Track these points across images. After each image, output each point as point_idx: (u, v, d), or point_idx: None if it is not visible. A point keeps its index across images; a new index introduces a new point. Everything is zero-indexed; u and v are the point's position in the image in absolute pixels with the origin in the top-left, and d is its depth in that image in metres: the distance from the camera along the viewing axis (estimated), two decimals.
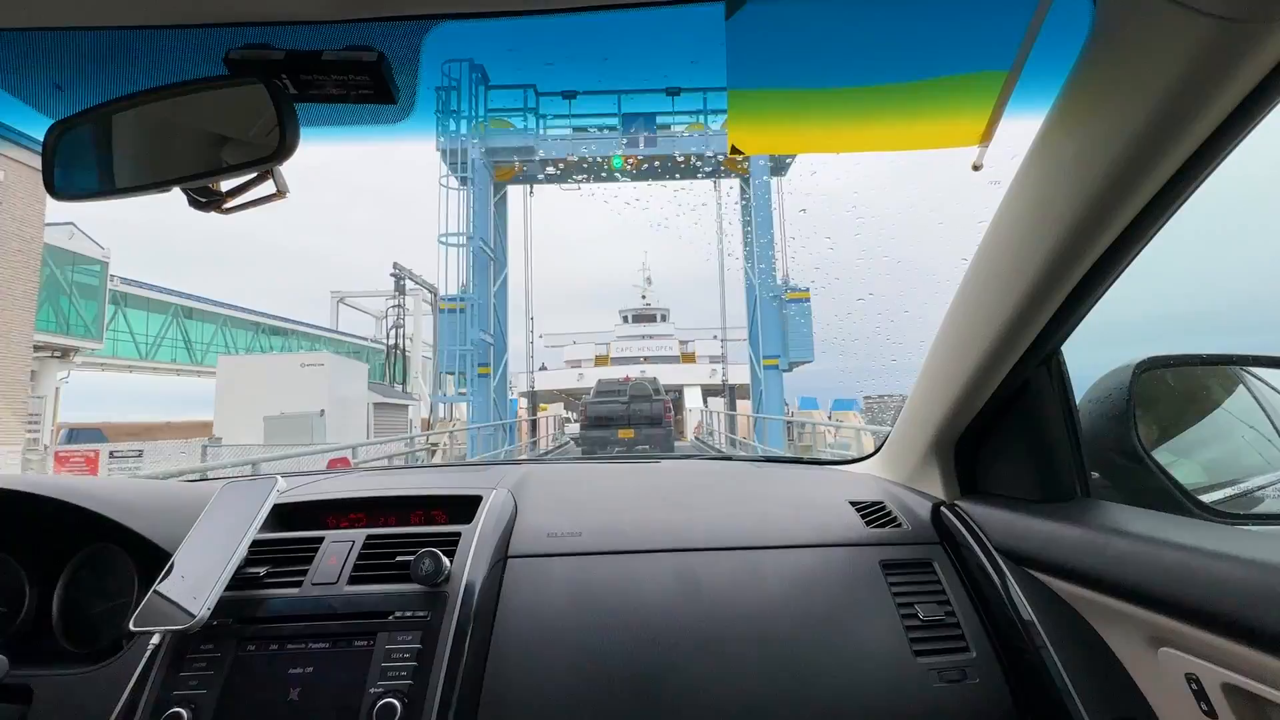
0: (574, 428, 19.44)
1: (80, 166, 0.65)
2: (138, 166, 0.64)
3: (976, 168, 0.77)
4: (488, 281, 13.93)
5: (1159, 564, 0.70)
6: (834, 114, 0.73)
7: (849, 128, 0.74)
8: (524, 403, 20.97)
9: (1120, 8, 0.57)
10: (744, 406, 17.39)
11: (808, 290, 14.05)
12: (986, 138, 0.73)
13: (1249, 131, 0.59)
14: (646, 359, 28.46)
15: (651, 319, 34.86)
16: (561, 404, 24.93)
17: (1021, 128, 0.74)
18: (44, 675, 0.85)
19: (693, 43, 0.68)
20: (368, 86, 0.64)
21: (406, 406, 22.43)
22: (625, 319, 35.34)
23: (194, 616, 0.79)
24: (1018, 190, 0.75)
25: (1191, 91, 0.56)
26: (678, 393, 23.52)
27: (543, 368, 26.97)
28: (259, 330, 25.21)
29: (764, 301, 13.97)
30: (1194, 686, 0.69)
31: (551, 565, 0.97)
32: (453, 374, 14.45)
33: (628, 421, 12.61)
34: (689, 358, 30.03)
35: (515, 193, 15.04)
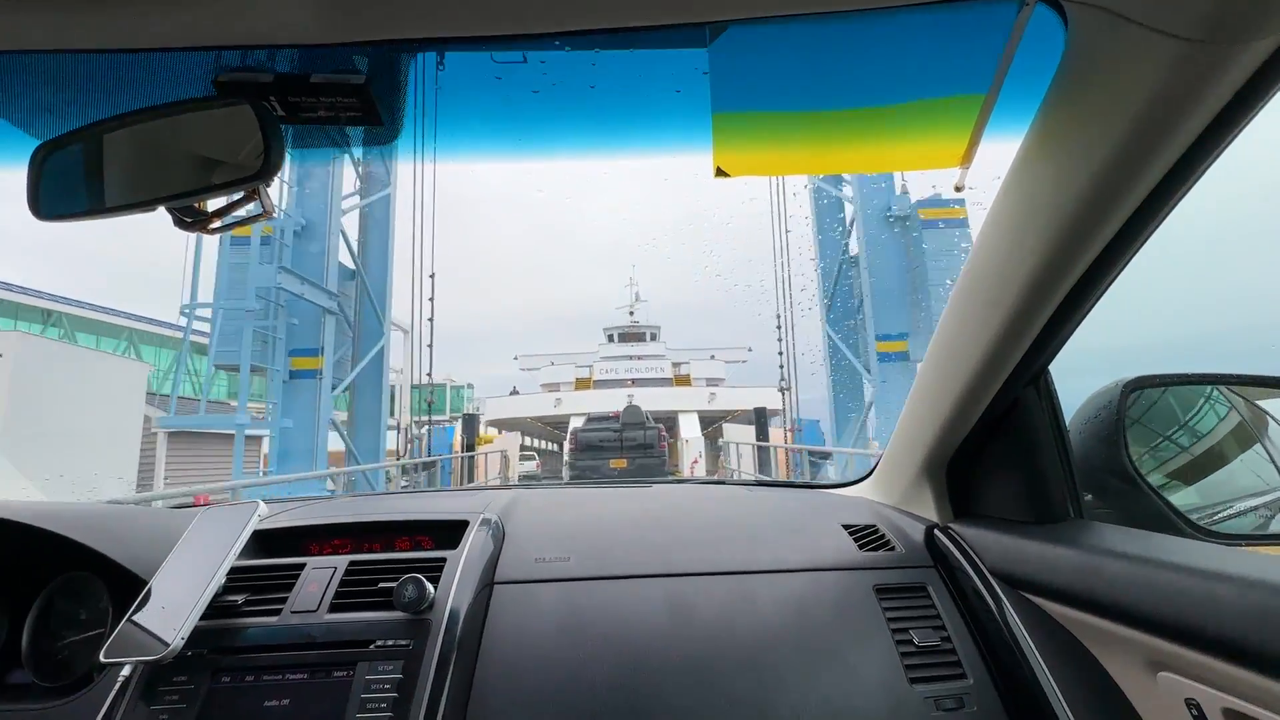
0: (529, 465, 18.90)
1: (66, 187, 0.65)
2: (123, 186, 0.64)
3: (959, 189, 0.78)
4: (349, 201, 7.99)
5: (1156, 586, 0.69)
6: (818, 136, 0.74)
7: (833, 149, 0.75)
8: (488, 432, 20.16)
9: (1091, 31, 0.58)
10: (775, 437, 13.37)
11: (963, 206, 7.00)
12: (967, 159, 0.74)
13: (1221, 150, 0.60)
14: (635, 381, 25.73)
15: (640, 338, 31.38)
16: (519, 434, 22.53)
17: (1001, 149, 0.75)
18: (10, 710, 0.82)
19: (677, 70, 0.70)
20: (356, 108, 0.65)
21: (258, 436, 12.38)
22: (610, 338, 31.76)
23: (167, 646, 0.76)
24: (999, 210, 0.76)
25: (1162, 111, 0.57)
26: (670, 420, 21.02)
27: (514, 392, 25.33)
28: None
29: (872, 229, 7.95)
30: (1194, 712, 0.67)
31: (539, 591, 0.95)
32: (235, 369, 8.01)
33: (620, 449, 12.00)
34: (683, 380, 27.52)
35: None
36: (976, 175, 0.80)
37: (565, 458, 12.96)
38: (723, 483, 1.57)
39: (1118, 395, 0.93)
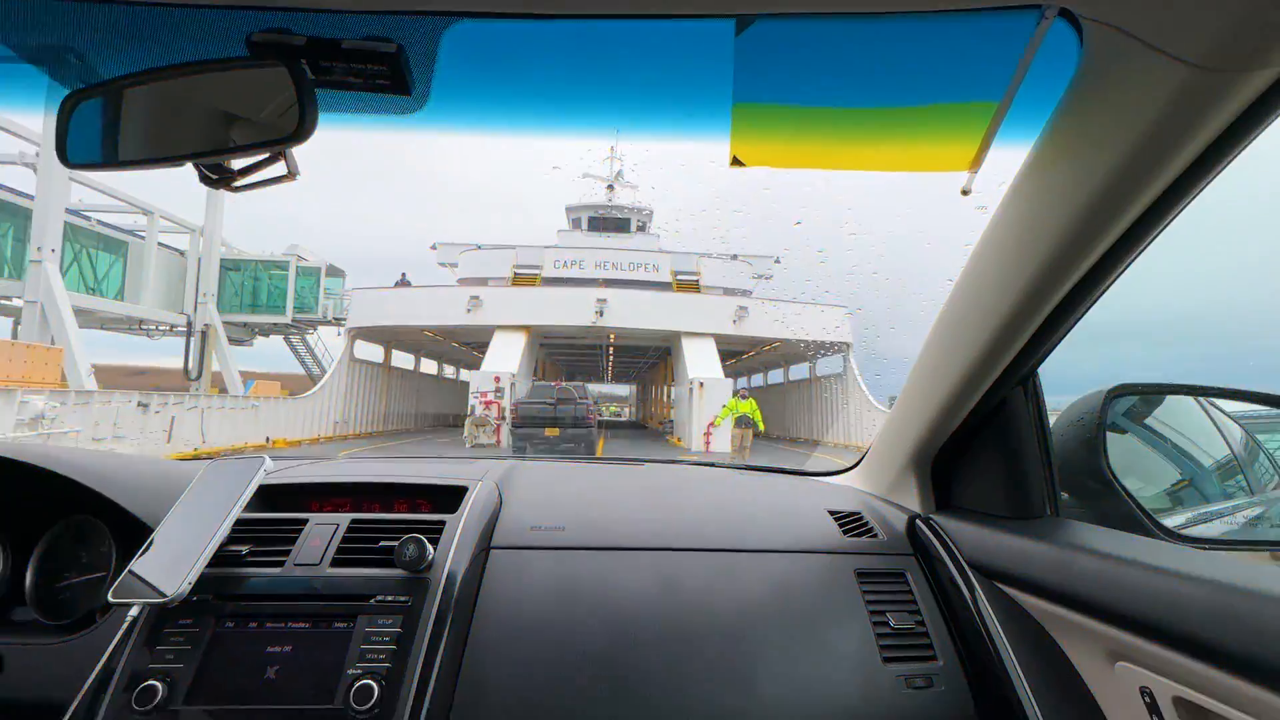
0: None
1: (94, 136, 0.65)
2: (153, 139, 0.65)
3: (965, 192, 0.80)
4: None
5: (1121, 582, 0.73)
6: (833, 132, 0.76)
7: (846, 146, 0.77)
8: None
9: (1105, 51, 0.60)
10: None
11: None
12: (976, 164, 0.76)
13: (1220, 170, 0.63)
14: (609, 282, 17.08)
15: (621, 226, 20.90)
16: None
17: (1009, 157, 0.77)
18: (16, 644, 0.84)
19: (701, 57, 0.71)
20: (384, 76, 0.65)
21: None
22: (576, 223, 20.93)
23: (174, 591, 0.79)
24: (1003, 216, 0.78)
25: (1166, 131, 0.60)
26: (663, 349, 16.32)
27: (402, 282, 17.41)
28: None
29: None
30: (1147, 699, 0.71)
31: (533, 558, 0.98)
32: None
33: (554, 422, 12.67)
34: (688, 287, 18.55)
35: None
36: (982, 180, 0.82)
37: (510, 426, 13.15)
38: (714, 465, 1.61)
39: (1100, 401, 0.97)
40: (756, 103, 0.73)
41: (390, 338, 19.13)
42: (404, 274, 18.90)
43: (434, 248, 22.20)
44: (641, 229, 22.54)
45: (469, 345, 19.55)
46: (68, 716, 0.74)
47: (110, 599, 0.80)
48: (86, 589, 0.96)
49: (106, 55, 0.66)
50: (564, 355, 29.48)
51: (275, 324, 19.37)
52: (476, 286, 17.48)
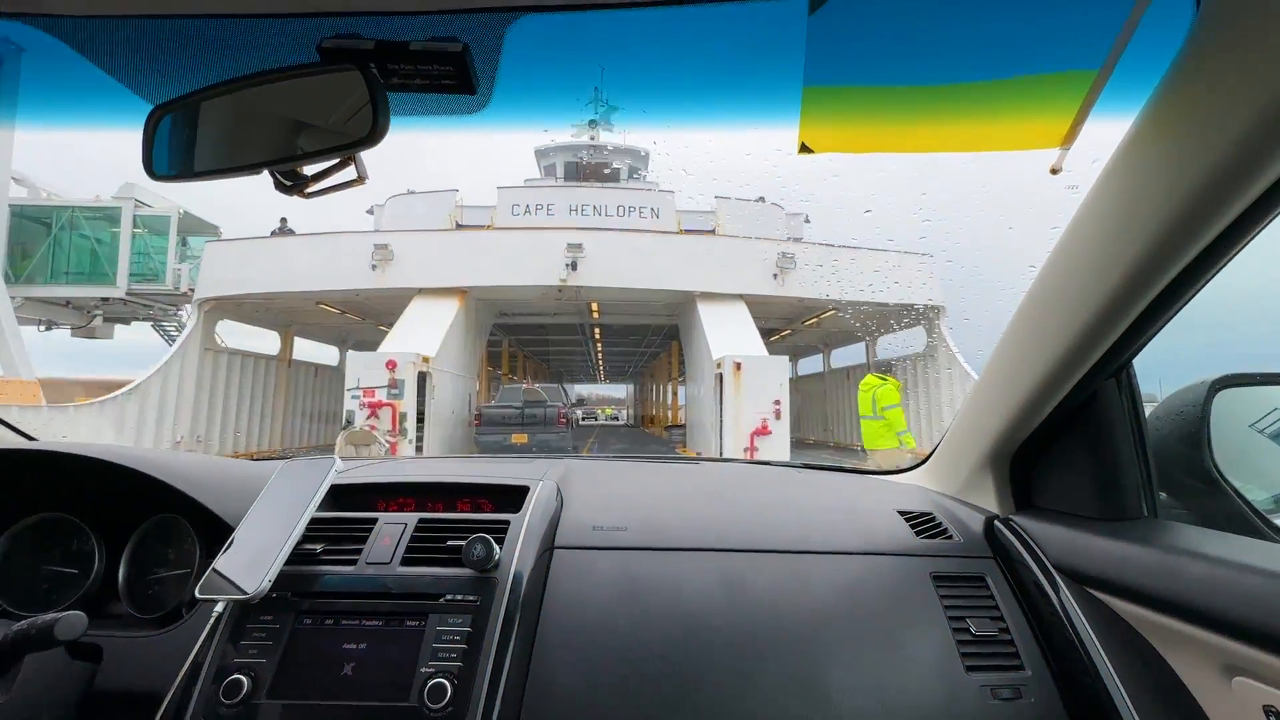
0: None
1: (178, 149, 0.68)
2: (231, 149, 0.67)
3: (1055, 171, 0.75)
4: None
5: (1237, 589, 0.67)
6: (909, 112, 0.72)
7: (924, 127, 0.73)
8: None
9: (1225, 10, 0.55)
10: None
11: None
12: (1069, 140, 0.71)
13: None
14: (585, 229, 12.35)
15: (610, 176, 16.27)
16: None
17: (1107, 131, 0.72)
18: (113, 636, 0.89)
19: (770, 40, 0.68)
20: (451, 76, 0.65)
21: None
22: (549, 170, 16.31)
23: (256, 588, 0.81)
24: (1100, 196, 0.73)
25: None
26: (673, 328, 12.88)
27: (282, 229, 12.39)
28: None
29: None
30: (1273, 718, 0.66)
31: (597, 558, 0.98)
32: None
33: (520, 426, 11.57)
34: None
35: None
36: (1074, 158, 0.77)
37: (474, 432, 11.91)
38: (769, 464, 1.58)
39: (1204, 393, 0.90)
40: (829, 85, 0.70)
41: (284, 316, 13.55)
42: (284, 219, 12.91)
43: (370, 212, 16.32)
44: (634, 175, 16.55)
45: (353, 311, 13.69)
46: (163, 707, 0.78)
47: (197, 595, 0.84)
48: (174, 585, 1.00)
49: (185, 70, 0.68)
50: (537, 345, 24.36)
51: (105, 299, 13.20)
52: (380, 245, 11.71)
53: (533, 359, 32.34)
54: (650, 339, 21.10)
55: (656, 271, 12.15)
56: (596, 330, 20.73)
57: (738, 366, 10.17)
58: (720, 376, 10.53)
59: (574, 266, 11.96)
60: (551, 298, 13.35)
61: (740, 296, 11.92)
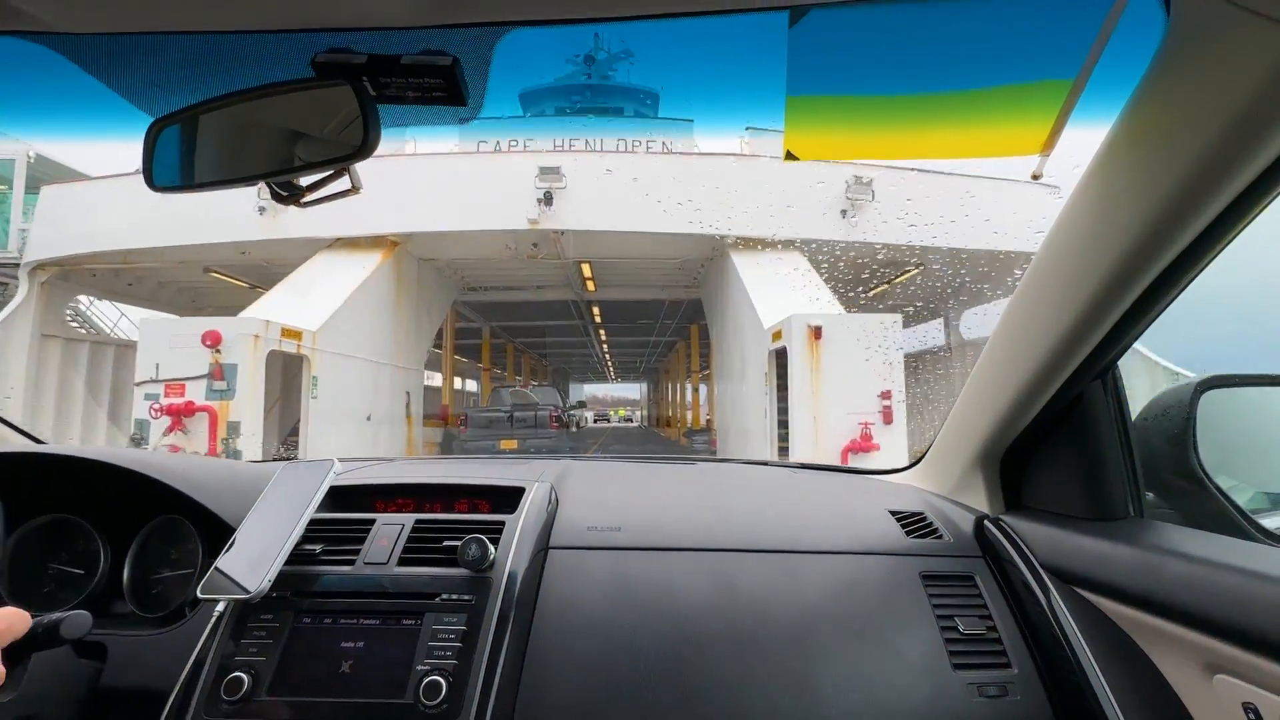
0: None
1: (176, 161, 0.70)
2: (228, 161, 0.69)
3: (1036, 177, 0.77)
4: None
5: (1219, 588, 0.68)
6: (892, 120, 0.73)
7: (907, 134, 0.75)
8: None
9: (1197, 16, 0.56)
10: None
11: None
12: (1048, 147, 0.73)
13: None
14: (565, 151, 9.66)
15: (612, 114, 12.97)
16: None
17: (1085, 137, 0.73)
18: (118, 635, 0.91)
19: (755, 51, 0.70)
20: (441, 89, 0.67)
21: None
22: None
23: (257, 588, 0.83)
24: (1080, 201, 0.74)
25: (1268, 105, 0.55)
26: (693, 306, 10.92)
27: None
28: None
29: None
30: (1251, 716, 0.67)
31: (591, 558, 1.00)
32: None
33: (510, 432, 11.23)
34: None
35: None
36: (1055, 163, 0.78)
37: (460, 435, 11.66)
38: (766, 464, 1.59)
39: (1190, 394, 0.91)
40: (811, 94, 0.71)
41: (188, 294, 10.78)
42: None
43: None
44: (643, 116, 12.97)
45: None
46: (168, 705, 0.80)
47: (199, 594, 0.86)
48: (177, 584, 1.02)
49: (184, 84, 0.70)
50: (532, 335, 21.78)
51: None
52: None
53: (531, 355, 29.68)
54: (664, 323, 18.35)
55: (668, 209, 8.30)
56: (596, 311, 17.60)
57: (815, 333, 6.42)
58: (779, 355, 7.14)
59: (548, 200, 8.20)
60: (526, 255, 10.07)
61: (795, 244, 8.24)
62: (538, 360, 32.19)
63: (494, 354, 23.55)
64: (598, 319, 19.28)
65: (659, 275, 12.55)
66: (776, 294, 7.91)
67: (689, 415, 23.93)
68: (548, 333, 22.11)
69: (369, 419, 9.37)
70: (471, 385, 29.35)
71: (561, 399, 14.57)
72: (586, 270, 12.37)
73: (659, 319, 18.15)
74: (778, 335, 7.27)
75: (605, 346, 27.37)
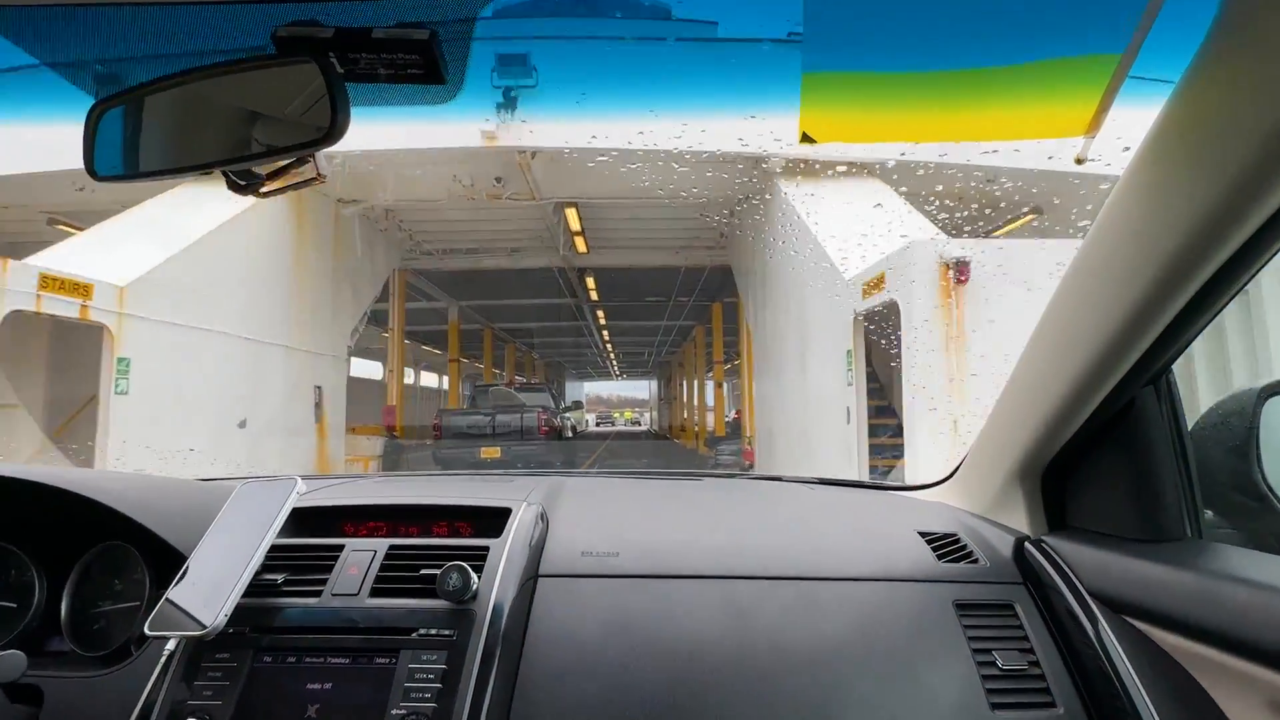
0: None
1: (121, 147, 0.71)
2: (179, 147, 0.70)
3: (1080, 161, 0.78)
4: None
5: None
6: (922, 99, 0.75)
7: (937, 115, 0.76)
8: None
9: None
10: None
11: None
12: (1094, 128, 0.74)
13: None
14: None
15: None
16: None
17: (1135, 116, 0.74)
18: (55, 677, 0.92)
19: (766, 27, 0.71)
20: (418, 66, 0.68)
21: None
22: None
23: (212, 623, 0.84)
24: (1130, 186, 0.75)
25: None
26: (721, 274, 11.01)
27: None
28: None
29: None
30: None
31: (585, 587, 1.01)
32: None
33: (492, 438, 10.91)
34: None
35: None
36: (1101, 146, 0.80)
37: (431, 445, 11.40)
38: (780, 479, 1.60)
39: (1252, 400, 0.92)
40: (829, 71, 0.72)
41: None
42: None
43: None
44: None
45: None
46: None
47: (147, 631, 0.86)
48: (121, 619, 1.03)
49: (130, 61, 0.71)
50: (517, 320, 20.92)
51: None
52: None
53: (516, 345, 27.38)
54: (678, 302, 16.70)
55: (681, 113, 5.88)
56: (591, 285, 15.65)
57: (958, 274, 4.77)
58: (876, 320, 5.76)
59: (510, 105, 6.48)
60: (488, 195, 8.82)
61: (868, 168, 6.88)
62: (525, 352, 30.26)
63: (468, 343, 21.69)
64: (593, 293, 17.05)
65: (672, 229, 11.30)
66: (854, 236, 6.20)
67: (710, 418, 22.27)
68: (533, 315, 20.37)
69: (243, 425, 7.31)
70: (436, 381, 27.57)
71: (554, 399, 14.11)
72: (573, 219, 10.71)
73: (672, 295, 16.24)
74: (874, 287, 5.46)
75: (605, 333, 25.74)
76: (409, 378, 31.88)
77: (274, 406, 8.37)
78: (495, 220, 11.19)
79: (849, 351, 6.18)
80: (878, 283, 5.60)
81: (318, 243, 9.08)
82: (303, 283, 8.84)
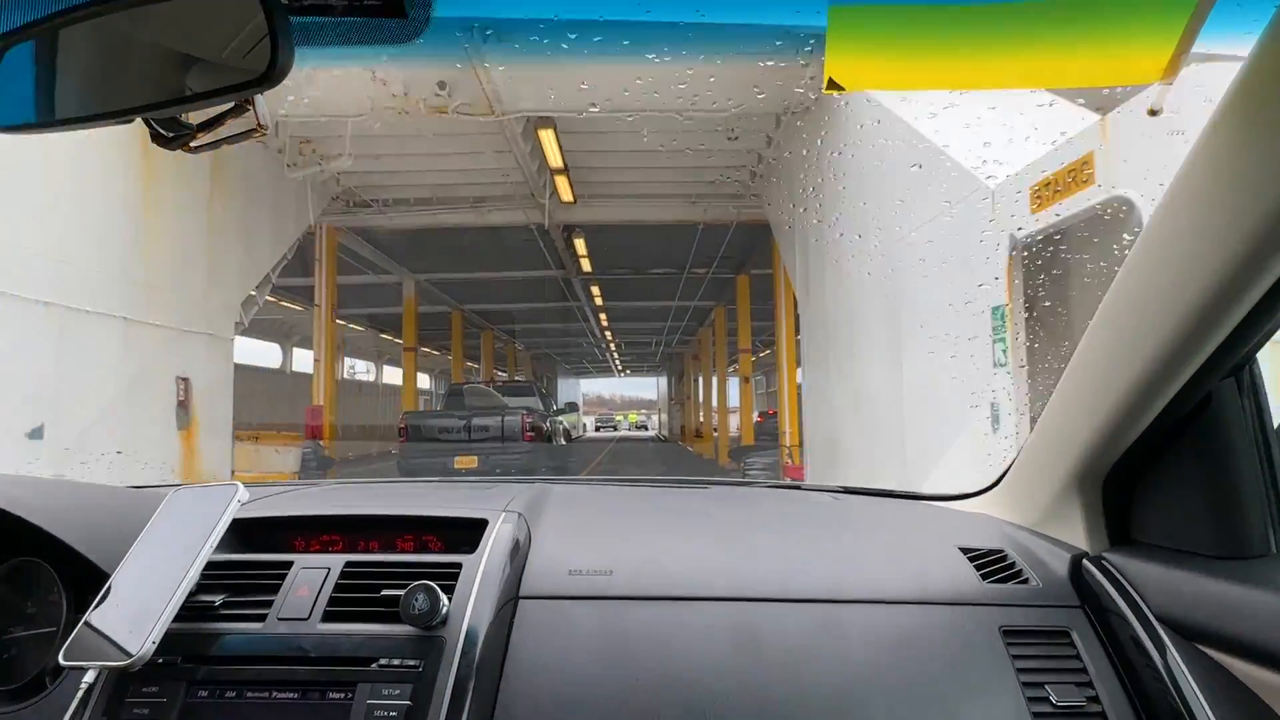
0: None
1: (28, 91, 0.67)
2: (96, 91, 0.67)
3: (1153, 112, 0.75)
4: None
5: None
6: (968, 40, 0.72)
7: (987, 58, 0.73)
8: None
9: None
10: None
11: None
12: (1170, 73, 0.71)
13: None
14: None
15: None
16: None
17: (1218, 63, 0.71)
18: None
19: None
20: None
21: None
22: None
23: (137, 651, 0.81)
24: (1210, 144, 0.72)
25: None
26: (755, 235, 11.01)
27: None
28: None
29: None
30: None
31: (574, 610, 0.99)
32: None
33: (468, 445, 10.47)
34: None
35: None
36: (1178, 95, 0.76)
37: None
38: (799, 487, 1.58)
39: None
40: (860, 4, 0.69)
41: None
42: None
43: None
44: None
45: None
46: None
47: (63, 661, 0.84)
48: (34, 647, 1.00)
49: None
50: (480, 293, 19.24)
51: None
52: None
53: (496, 334, 25.52)
54: (693, 274, 15.51)
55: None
56: (581, 250, 13.93)
57: None
58: (1043, 252, 4.37)
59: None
60: (427, 109, 7.79)
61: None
62: (505, 342, 28.51)
63: (433, 329, 20.39)
64: (584, 261, 14.92)
65: (685, 172, 9.94)
66: (986, 140, 4.72)
67: (733, 421, 19.52)
68: (512, 293, 18.46)
69: (37, 436, 5.92)
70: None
71: (543, 399, 13.73)
72: (552, 149, 9.19)
73: (685, 265, 14.53)
74: (1063, 187, 4.00)
75: (603, 318, 23.30)
76: (366, 374, 30.83)
77: (100, 406, 6.59)
78: (448, 157, 9.67)
79: (998, 310, 4.39)
80: (1075, 176, 3.79)
81: (184, 174, 7.30)
82: (158, 229, 7.12)
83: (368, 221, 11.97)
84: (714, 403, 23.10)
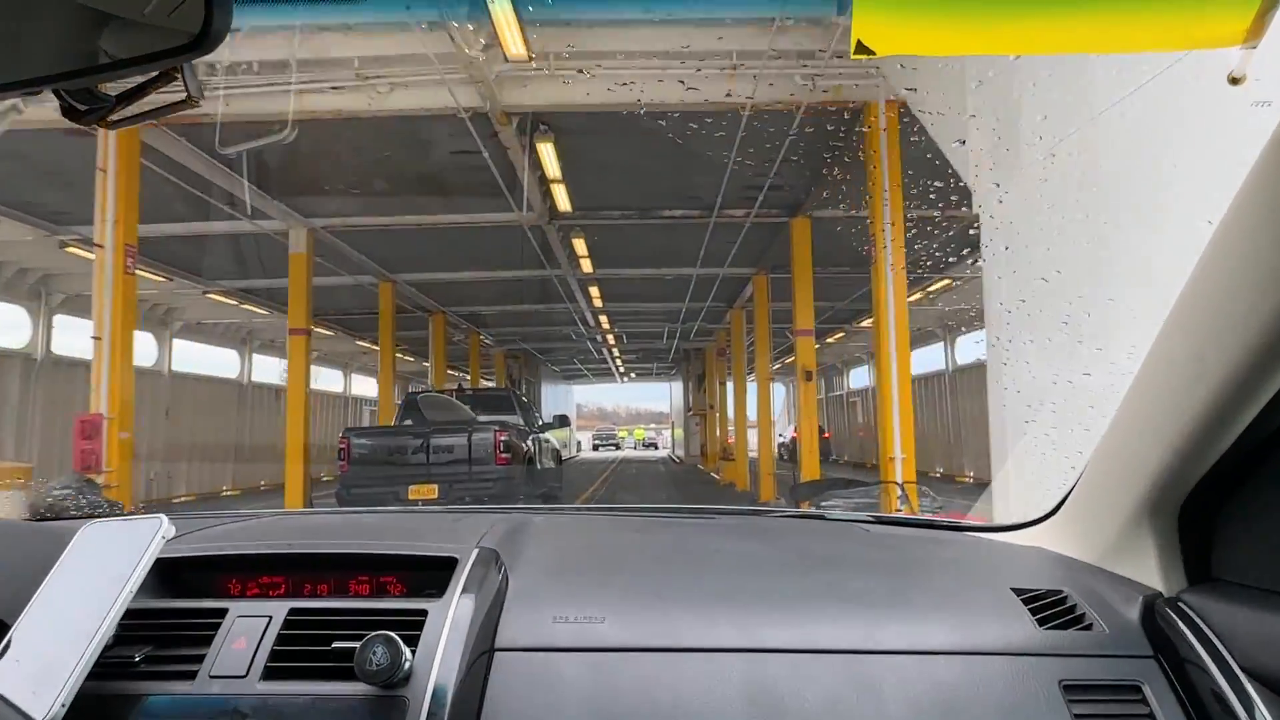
0: None
1: None
2: (2, 58, 0.67)
3: (1235, 80, 0.77)
4: None
5: None
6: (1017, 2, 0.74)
7: (1038, 21, 0.75)
8: None
9: None
10: None
11: None
12: (1253, 36, 0.73)
13: None
14: None
15: None
16: None
17: None
18: None
19: None
20: None
21: None
22: None
23: (44, 715, 0.81)
24: None
25: None
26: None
27: None
28: None
29: None
30: None
31: (560, 664, 1.00)
32: None
33: (426, 471, 10.22)
34: None
35: None
36: (1263, 61, 0.78)
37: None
38: (824, 517, 1.60)
39: None
40: None
41: None
42: None
43: None
44: None
45: None
46: None
47: None
48: None
49: None
50: (423, 258, 15.92)
51: None
52: None
53: (448, 318, 22.46)
54: (727, 215, 12.29)
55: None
56: (553, 175, 10.67)
57: None
58: None
59: None
60: None
61: None
62: (467, 332, 25.89)
63: (338, 308, 18.55)
64: (558, 189, 11.24)
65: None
66: None
67: (780, 439, 17.08)
68: (466, 258, 15.72)
69: None
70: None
71: (523, 410, 13.01)
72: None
73: (714, 206, 11.72)
74: None
75: (594, 292, 20.09)
76: (333, 384, 29.21)
77: None
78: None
79: None
80: None
81: None
82: None
83: (191, 113, 6.47)
84: (751, 414, 20.08)
